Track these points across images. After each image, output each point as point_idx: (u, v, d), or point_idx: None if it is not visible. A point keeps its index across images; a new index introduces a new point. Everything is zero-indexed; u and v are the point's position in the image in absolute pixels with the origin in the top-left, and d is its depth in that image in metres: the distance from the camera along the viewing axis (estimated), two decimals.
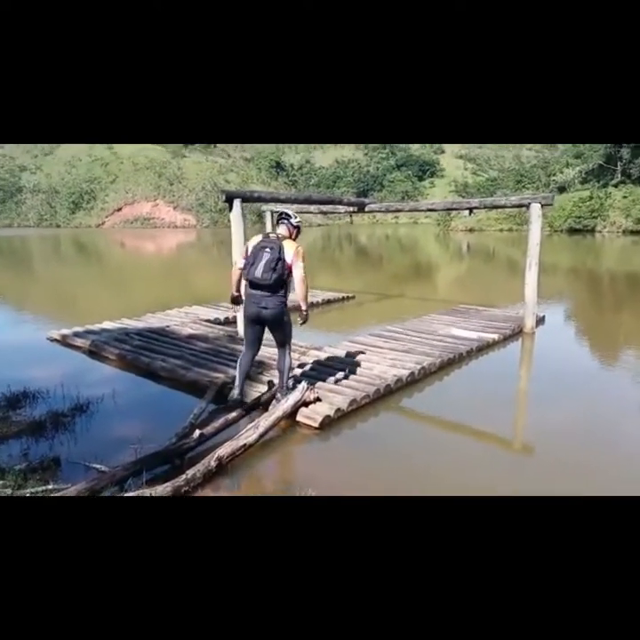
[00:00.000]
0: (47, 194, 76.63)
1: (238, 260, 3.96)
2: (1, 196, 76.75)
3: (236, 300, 4.05)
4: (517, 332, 6.66)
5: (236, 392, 4.04)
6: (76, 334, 6.24)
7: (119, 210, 71.53)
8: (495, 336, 6.21)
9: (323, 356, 5.27)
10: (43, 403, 4.30)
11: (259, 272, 3.69)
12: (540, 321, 7.33)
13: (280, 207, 9.94)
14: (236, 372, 4.11)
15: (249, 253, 3.82)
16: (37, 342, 6.42)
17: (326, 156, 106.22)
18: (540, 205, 6.32)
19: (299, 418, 3.85)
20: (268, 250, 3.73)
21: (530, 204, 6.39)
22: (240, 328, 5.92)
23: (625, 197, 38.17)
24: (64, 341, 6.22)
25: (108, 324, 6.77)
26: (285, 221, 4.01)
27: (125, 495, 2.74)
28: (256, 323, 3.93)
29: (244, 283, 3.89)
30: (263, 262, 3.70)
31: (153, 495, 2.67)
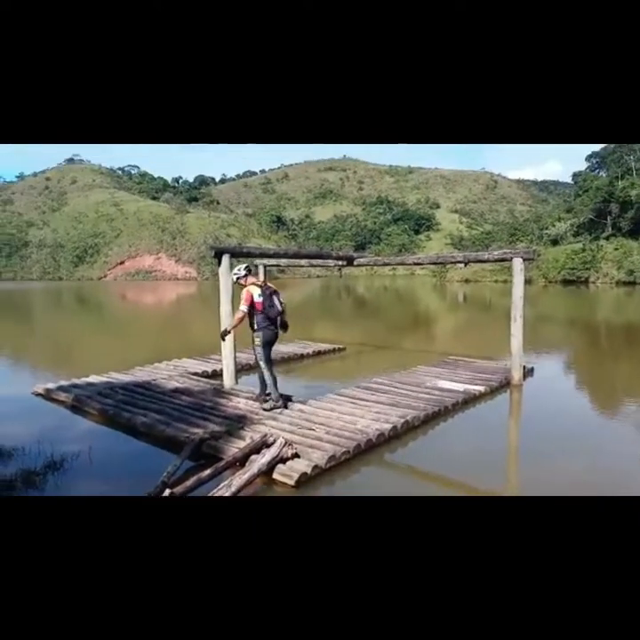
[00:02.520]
0: (52, 248, 78.51)
1: (243, 307, 5.23)
2: (7, 251, 78.53)
3: (226, 335, 5.66)
4: (505, 385, 6.61)
5: (277, 402, 5.27)
6: (61, 388, 6.20)
7: (121, 263, 73.00)
8: (482, 388, 6.17)
9: (306, 409, 5.22)
10: (17, 460, 4.22)
11: (279, 309, 5.34)
12: (529, 373, 7.30)
13: (274, 261, 10.18)
14: (273, 387, 5.32)
15: (259, 300, 5.24)
16: (22, 397, 6.37)
17: (325, 210, 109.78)
18: (521, 260, 6.47)
19: (275, 475, 3.76)
20: (276, 293, 5.40)
21: (512, 258, 6.54)
22: (227, 380, 6.33)
23: (616, 250, 39.06)
24: (48, 396, 6.18)
25: (94, 378, 6.74)
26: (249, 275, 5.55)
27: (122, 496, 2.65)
28: (272, 345, 5.48)
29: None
30: (279, 303, 5.34)
31: None
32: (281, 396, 5.38)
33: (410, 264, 8.70)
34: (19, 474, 3.85)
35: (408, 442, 4.70)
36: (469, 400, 5.87)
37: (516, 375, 6.65)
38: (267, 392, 5.44)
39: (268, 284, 5.65)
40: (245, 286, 5.37)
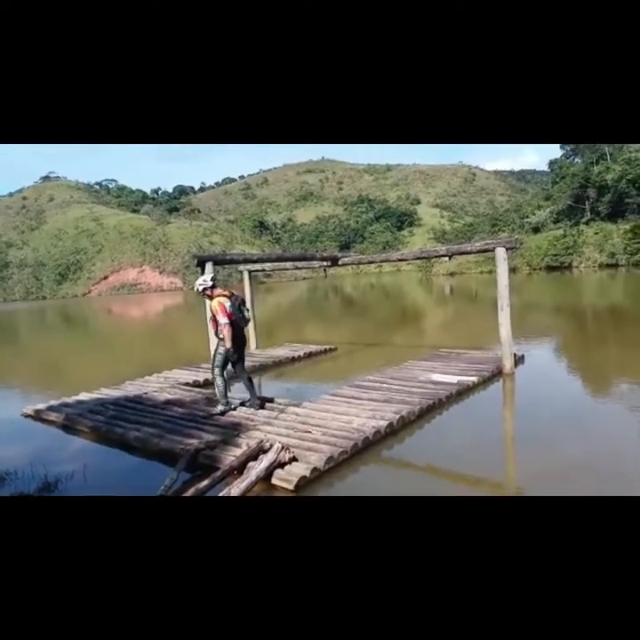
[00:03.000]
0: (33, 267, 77.51)
1: (224, 319, 5.22)
2: None
3: (233, 355, 5.52)
4: (497, 374, 6.65)
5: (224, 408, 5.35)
6: (51, 408, 6.09)
7: (105, 278, 72.32)
8: (474, 379, 6.20)
9: (301, 412, 5.19)
10: (10, 484, 4.13)
11: (248, 318, 5.59)
12: (520, 360, 7.35)
13: (258, 266, 10.13)
14: (223, 389, 5.40)
15: (230, 311, 5.28)
16: (11, 419, 6.25)
17: (307, 212, 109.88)
18: (504, 249, 6.52)
19: (274, 480, 3.73)
20: (244, 303, 5.56)
21: (494, 248, 6.59)
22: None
23: (596, 234, 39.64)
24: (38, 416, 6.07)
25: (84, 396, 6.64)
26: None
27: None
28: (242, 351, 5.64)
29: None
30: (246, 312, 5.54)
31: None
32: (259, 398, 5.62)
33: (394, 260, 8.74)
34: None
35: (404, 437, 4.70)
36: (463, 391, 5.89)
37: (508, 364, 6.69)
38: (220, 398, 5.47)
39: (234, 292, 5.59)
40: (213, 297, 5.34)
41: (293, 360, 8.92)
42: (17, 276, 75.64)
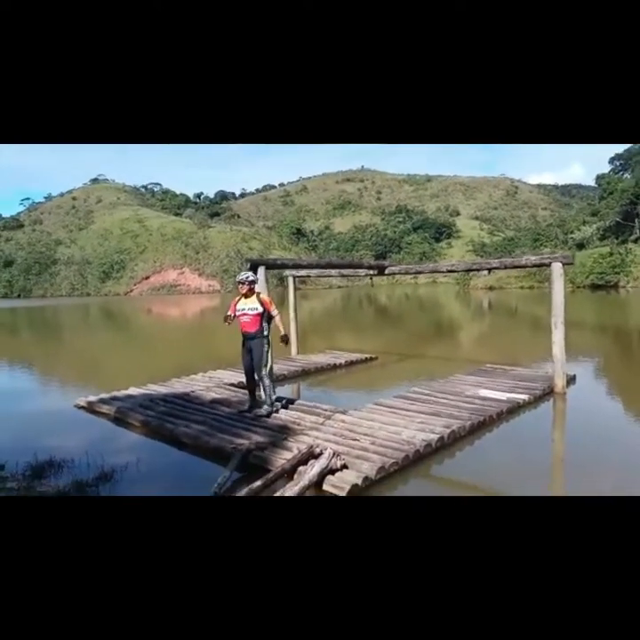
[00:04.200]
0: (79, 265, 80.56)
1: (277, 310, 5.54)
2: (37, 269, 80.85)
3: (288, 340, 6.06)
4: (548, 393, 6.45)
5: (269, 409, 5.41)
6: (102, 401, 6.30)
7: (147, 278, 74.37)
8: (525, 396, 6.02)
9: (348, 419, 5.17)
10: (68, 472, 4.27)
11: None
12: (571, 380, 7.11)
13: (303, 272, 10.20)
14: (270, 390, 5.48)
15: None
16: (65, 410, 6.49)
17: (345, 221, 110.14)
18: (561, 265, 6.33)
19: (325, 487, 3.71)
20: None
21: (551, 263, 6.41)
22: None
23: None
24: (90, 408, 6.28)
25: (133, 390, 6.83)
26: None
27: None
28: None
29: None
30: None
31: None
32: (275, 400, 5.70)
33: (443, 271, 8.63)
34: (72, 485, 3.90)
35: (455, 452, 4.61)
36: (513, 409, 5.73)
37: (560, 383, 6.47)
38: (266, 399, 5.55)
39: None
40: (255, 293, 5.55)
41: (334, 367, 8.91)
42: (64, 272, 78.91)
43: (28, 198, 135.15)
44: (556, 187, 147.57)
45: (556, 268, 6.34)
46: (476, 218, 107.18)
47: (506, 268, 6.87)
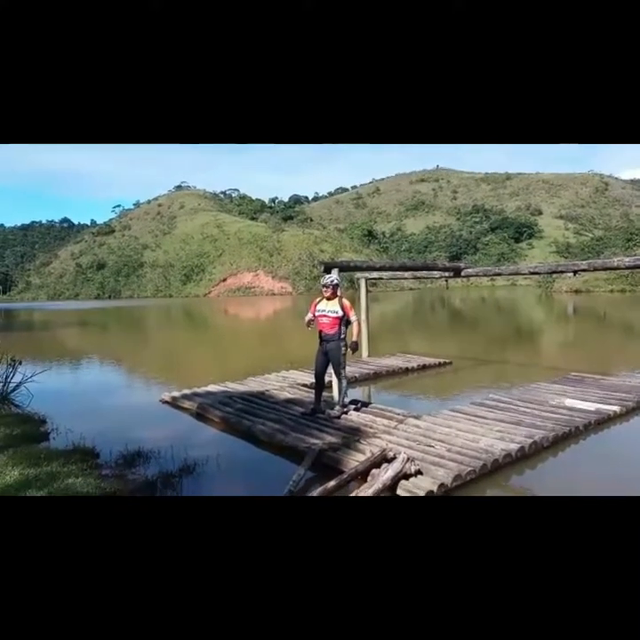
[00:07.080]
0: (163, 268, 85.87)
1: (355, 316, 5.58)
2: (126, 272, 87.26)
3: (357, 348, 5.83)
4: None
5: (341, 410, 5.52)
6: (185, 397, 6.67)
7: (224, 280, 77.70)
8: (616, 408, 5.58)
9: (422, 425, 5.08)
10: (154, 463, 4.57)
11: None
12: None
13: (376, 274, 10.17)
14: (345, 392, 5.67)
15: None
16: (151, 404, 6.96)
17: (417, 222, 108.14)
18: None
19: (399, 491, 3.68)
20: None
21: None
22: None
23: None
24: (174, 403, 6.68)
25: (212, 387, 7.17)
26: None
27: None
28: None
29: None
30: None
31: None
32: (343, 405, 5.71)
33: (525, 274, 8.20)
34: (159, 476, 4.17)
35: (536, 464, 4.37)
36: (603, 421, 5.33)
37: None
38: (339, 400, 5.66)
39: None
40: (337, 297, 5.52)
41: (407, 371, 8.78)
42: (149, 274, 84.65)
43: (119, 205, 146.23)
44: None
45: None
46: (561, 217, 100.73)
47: (595, 269, 6.40)
